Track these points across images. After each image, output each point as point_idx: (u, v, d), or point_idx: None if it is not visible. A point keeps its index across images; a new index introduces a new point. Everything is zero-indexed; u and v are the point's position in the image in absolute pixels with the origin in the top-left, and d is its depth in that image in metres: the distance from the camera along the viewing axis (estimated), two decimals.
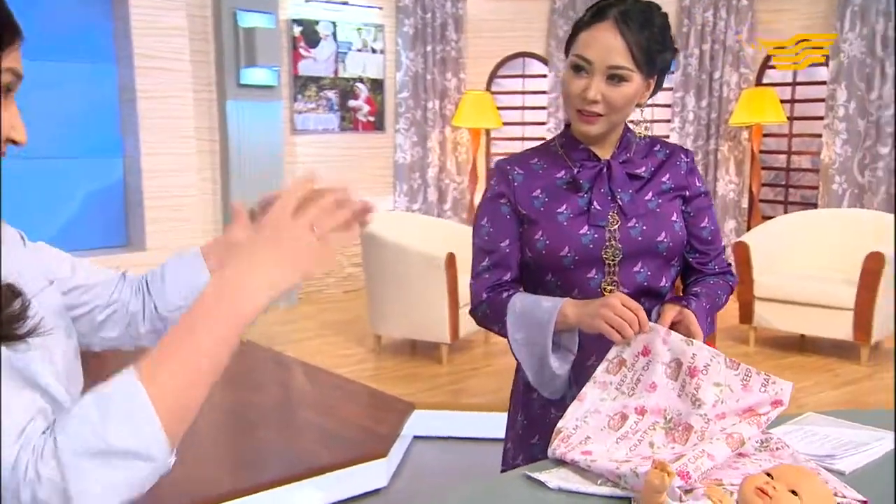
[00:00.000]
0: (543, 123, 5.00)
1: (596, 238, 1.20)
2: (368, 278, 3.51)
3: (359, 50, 4.65)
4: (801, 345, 3.83)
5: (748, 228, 4.70)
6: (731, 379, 1.03)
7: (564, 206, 1.22)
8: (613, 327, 1.09)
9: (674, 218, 1.24)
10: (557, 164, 1.26)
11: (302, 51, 4.49)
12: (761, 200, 4.86)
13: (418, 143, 4.90)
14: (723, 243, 1.33)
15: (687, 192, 1.27)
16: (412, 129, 4.87)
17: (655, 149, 1.29)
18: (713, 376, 1.03)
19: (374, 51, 4.73)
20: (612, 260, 1.20)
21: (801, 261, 3.86)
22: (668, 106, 4.88)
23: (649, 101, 1.24)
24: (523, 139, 5.15)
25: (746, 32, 4.71)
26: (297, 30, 4.44)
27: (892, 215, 3.81)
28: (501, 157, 1.32)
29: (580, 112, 1.19)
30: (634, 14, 1.16)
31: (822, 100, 4.50)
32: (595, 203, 1.22)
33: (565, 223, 1.21)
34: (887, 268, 3.40)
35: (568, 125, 1.26)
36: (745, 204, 4.89)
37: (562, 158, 1.26)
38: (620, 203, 1.22)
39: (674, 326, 1.12)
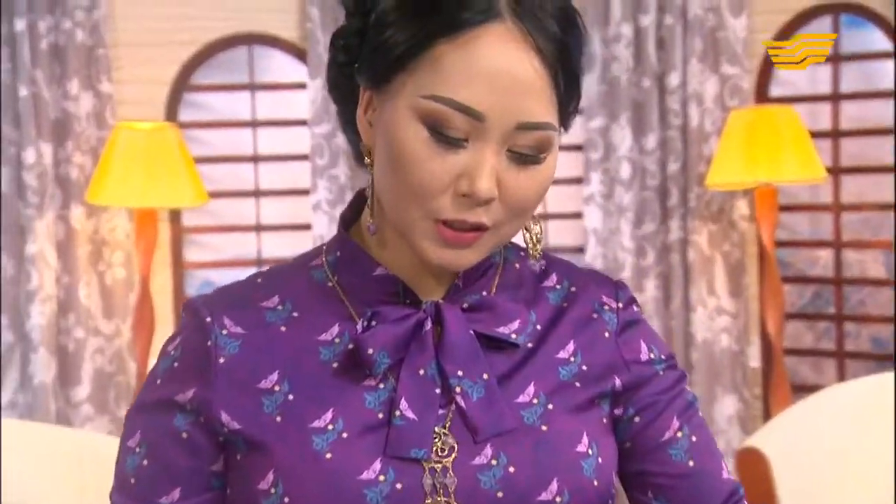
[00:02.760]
0: (307, 193, 4.68)
1: (400, 491, 1.23)
2: None
3: None
4: None
5: (765, 415, 4.47)
6: None
7: (331, 415, 1.26)
8: None
9: (582, 446, 1.28)
10: (324, 310, 1.32)
11: None
12: (787, 351, 4.65)
13: (5, 245, 4.43)
14: (722, 463, 1.37)
15: (616, 380, 1.34)
16: None
17: (547, 283, 1.38)
18: None
19: None
20: None
21: (880, 484, 3.63)
22: (577, 149, 4.67)
23: None
24: (259, 229, 4.84)
25: None
26: None
27: None
28: (200, 295, 1.35)
29: (447, 225, 1.22)
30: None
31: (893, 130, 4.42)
32: (405, 404, 1.26)
33: (329, 454, 1.24)
34: None
35: (346, 226, 1.35)
36: (752, 359, 4.69)
37: (334, 296, 1.33)
38: (462, 405, 1.27)
39: None
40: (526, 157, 1.21)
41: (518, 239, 1.33)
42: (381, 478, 1.23)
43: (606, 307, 1.36)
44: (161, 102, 4.62)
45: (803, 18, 4.60)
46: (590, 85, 4.59)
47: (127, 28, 4.60)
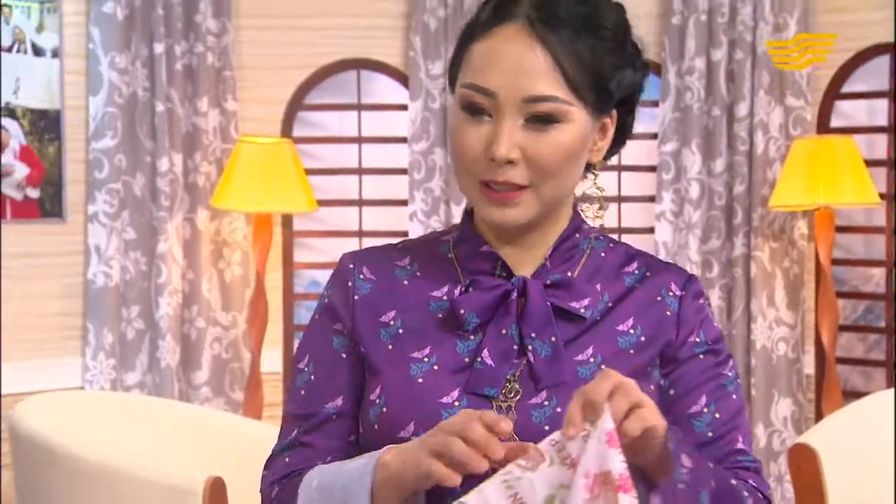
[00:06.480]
0: (405, 203, 4.89)
1: None
2: None
3: (6, 50, 4.39)
4: None
5: (817, 415, 4.60)
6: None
7: (428, 350, 1.44)
8: (455, 459, 1.24)
9: None
10: (441, 273, 1.50)
11: None
12: (840, 360, 4.78)
13: (139, 243, 4.68)
14: (748, 439, 1.47)
15: (664, 349, 1.46)
16: (124, 214, 4.65)
17: (627, 269, 1.50)
18: None
19: (38, 51, 4.49)
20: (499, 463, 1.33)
21: None
22: (651, 170, 4.83)
23: (612, 158, 1.51)
24: (361, 234, 5.02)
25: (796, 23, 4.71)
26: None
27: None
28: (352, 251, 1.57)
29: (487, 186, 1.40)
30: (563, 6, 1.37)
31: None
32: (486, 353, 1.41)
33: (421, 379, 1.41)
34: None
35: (469, 213, 1.51)
36: (807, 366, 4.83)
37: (451, 264, 1.50)
38: (531, 359, 1.41)
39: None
40: (539, 125, 1.38)
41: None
42: (457, 404, 1.40)
43: (671, 293, 1.46)
44: (278, 120, 4.88)
45: (865, 56, 4.68)
46: (665, 112, 4.72)
47: (251, 53, 4.86)
